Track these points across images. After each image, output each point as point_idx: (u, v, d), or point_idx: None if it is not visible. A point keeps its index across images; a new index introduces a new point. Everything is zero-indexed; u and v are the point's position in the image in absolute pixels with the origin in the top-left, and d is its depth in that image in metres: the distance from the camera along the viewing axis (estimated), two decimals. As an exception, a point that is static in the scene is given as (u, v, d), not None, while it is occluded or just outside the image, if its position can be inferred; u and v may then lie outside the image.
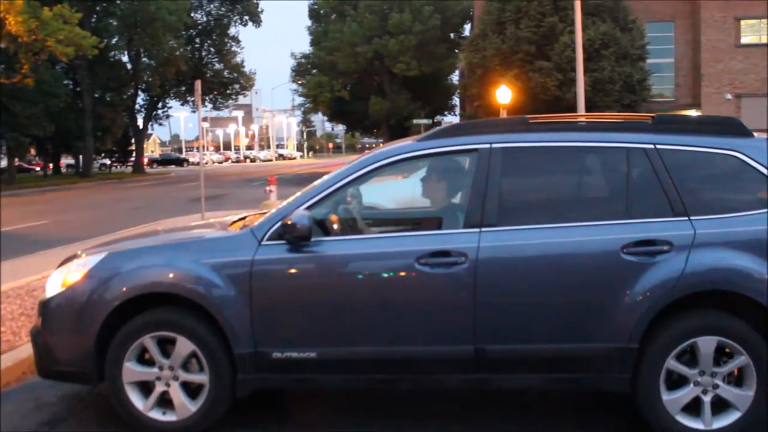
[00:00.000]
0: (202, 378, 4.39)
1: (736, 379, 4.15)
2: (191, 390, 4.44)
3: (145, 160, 68.53)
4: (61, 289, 4.61)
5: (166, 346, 4.45)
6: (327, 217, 4.56)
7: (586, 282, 4.17)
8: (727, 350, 4.13)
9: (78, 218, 20.20)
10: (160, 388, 4.44)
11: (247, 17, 60.64)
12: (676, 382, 4.17)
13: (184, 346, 4.38)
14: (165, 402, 4.46)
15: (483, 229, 4.26)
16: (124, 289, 4.42)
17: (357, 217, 4.93)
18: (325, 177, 4.64)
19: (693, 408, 4.15)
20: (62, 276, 4.68)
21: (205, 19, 61.41)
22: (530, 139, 4.53)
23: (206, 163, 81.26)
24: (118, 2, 49.08)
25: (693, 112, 33.32)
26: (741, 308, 4.14)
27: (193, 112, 67.89)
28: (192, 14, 56.71)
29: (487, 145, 4.43)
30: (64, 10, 32.45)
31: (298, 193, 4.64)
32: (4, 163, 48.70)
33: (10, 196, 32.25)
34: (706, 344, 4.09)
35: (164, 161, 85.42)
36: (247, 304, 4.32)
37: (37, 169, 62.73)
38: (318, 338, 4.34)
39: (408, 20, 46.58)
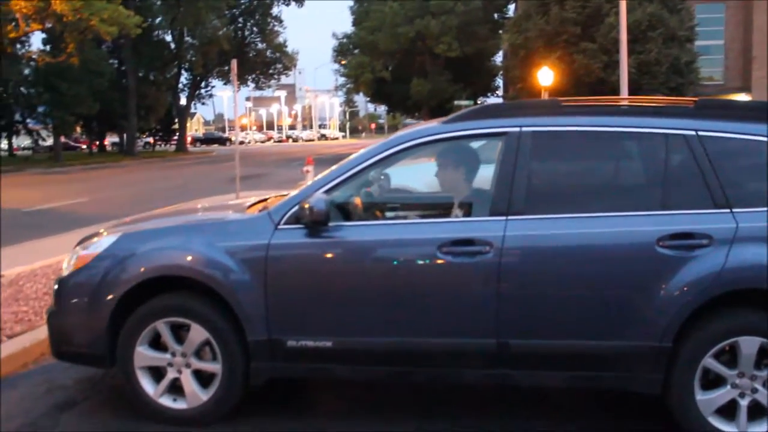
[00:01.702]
0: (214, 367, 4.26)
1: (777, 385, 3.87)
2: (203, 378, 4.32)
3: (189, 139, 69.20)
4: (75, 269, 4.52)
5: (180, 331, 4.34)
6: (347, 201, 4.39)
7: (617, 276, 3.93)
8: (768, 352, 3.86)
9: (118, 196, 20.38)
10: (171, 374, 4.34)
11: (289, -3, 60.51)
12: (713, 382, 3.92)
13: (197, 333, 4.27)
14: (176, 389, 4.36)
15: (509, 217, 4.04)
16: (137, 271, 4.31)
17: (379, 202, 4.74)
18: (346, 159, 4.46)
19: (727, 411, 3.90)
20: (77, 256, 4.59)
21: (247, -2, 61.42)
22: (562, 122, 4.28)
23: (249, 143, 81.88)
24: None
25: (743, 96, 32.36)
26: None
27: (237, 90, 68.10)
28: (235, -7, 56.79)
29: (517, 129, 4.20)
30: (108, -10, 32.72)
31: (319, 176, 4.47)
32: (51, 141, 49.49)
33: (57, 174, 32.82)
34: (749, 345, 3.82)
35: (207, 140, 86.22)
36: (262, 290, 4.18)
37: (83, 147, 63.73)
38: (334, 327, 4.18)
39: (450, 0, 45.95)
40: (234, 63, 15.55)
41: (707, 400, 3.89)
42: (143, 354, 4.34)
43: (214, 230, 4.46)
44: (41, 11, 31.77)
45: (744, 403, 3.86)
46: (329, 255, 4.22)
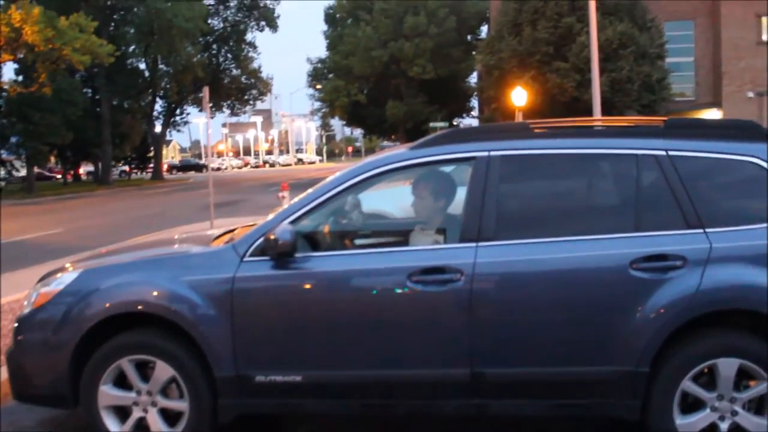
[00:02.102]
0: (181, 405, 4.12)
1: (757, 407, 3.79)
2: (170, 417, 4.17)
3: (165, 167, 68.80)
4: (35, 306, 4.37)
5: (145, 369, 4.20)
6: (314, 231, 4.30)
7: (591, 301, 3.84)
8: (747, 374, 3.78)
9: (92, 226, 20.11)
10: (137, 413, 4.19)
11: (263, 23, 60.55)
12: (692, 405, 3.84)
13: (163, 370, 4.13)
14: (143, 428, 4.20)
15: (480, 244, 3.95)
16: (100, 308, 4.17)
17: (347, 230, 4.64)
18: (313, 188, 4.36)
19: (708, 435, 3.81)
20: (38, 293, 4.44)
21: (221, 25, 61.40)
22: (532, 146, 4.21)
23: (225, 169, 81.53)
24: (135, 10, 49.21)
25: (714, 111, 32.75)
26: (761, 329, 3.77)
27: (212, 117, 67.80)
28: (209, 21, 56.71)
29: (486, 153, 4.12)
30: (80, 19, 32.60)
31: (285, 205, 4.36)
32: (24, 171, 48.94)
33: (29, 205, 32.40)
34: (727, 367, 3.75)
35: (183, 167, 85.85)
36: (228, 325, 4.05)
37: (58, 177, 63.09)
38: (303, 361, 4.06)
39: (423, 23, 46.28)
40: (206, 90, 15.41)
41: (687, 424, 3.81)
42: (107, 393, 4.19)
43: (178, 264, 4.34)
44: (12, 42, 31.55)
45: (724, 426, 3.78)
46: (296, 287, 4.09)
